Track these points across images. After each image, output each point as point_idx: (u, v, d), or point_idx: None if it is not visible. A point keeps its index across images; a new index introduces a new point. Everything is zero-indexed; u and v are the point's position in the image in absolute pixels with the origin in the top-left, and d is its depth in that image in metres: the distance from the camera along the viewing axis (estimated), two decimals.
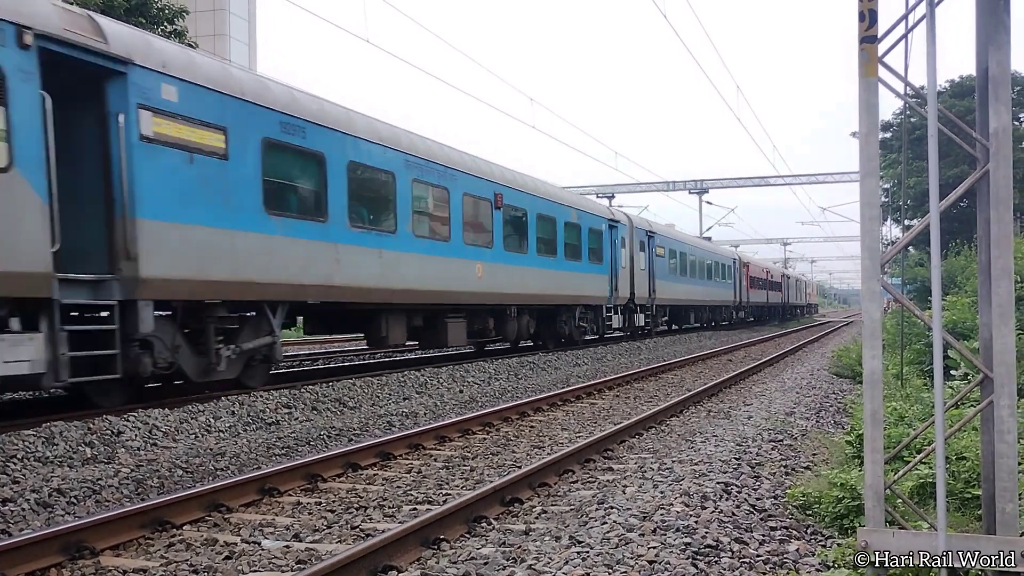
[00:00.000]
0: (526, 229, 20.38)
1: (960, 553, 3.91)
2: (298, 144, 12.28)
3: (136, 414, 9.46)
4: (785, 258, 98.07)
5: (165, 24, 22.20)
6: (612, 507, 6.02)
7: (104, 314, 9.48)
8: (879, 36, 4.01)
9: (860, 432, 7.51)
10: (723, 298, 42.97)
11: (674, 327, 36.35)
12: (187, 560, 5.27)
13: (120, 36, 9.65)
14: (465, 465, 8.27)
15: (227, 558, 5.31)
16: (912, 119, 31.39)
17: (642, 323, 29.40)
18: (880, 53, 4.08)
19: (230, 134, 11.02)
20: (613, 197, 50.31)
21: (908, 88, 4.31)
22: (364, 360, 20.77)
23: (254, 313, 11.94)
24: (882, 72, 4.09)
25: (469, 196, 17.49)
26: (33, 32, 8.39)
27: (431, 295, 15.99)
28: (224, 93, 10.99)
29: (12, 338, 8.21)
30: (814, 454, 8.68)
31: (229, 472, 7.96)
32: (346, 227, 13.31)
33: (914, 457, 5.63)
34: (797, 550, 5.35)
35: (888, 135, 39.02)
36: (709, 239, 48.37)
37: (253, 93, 11.59)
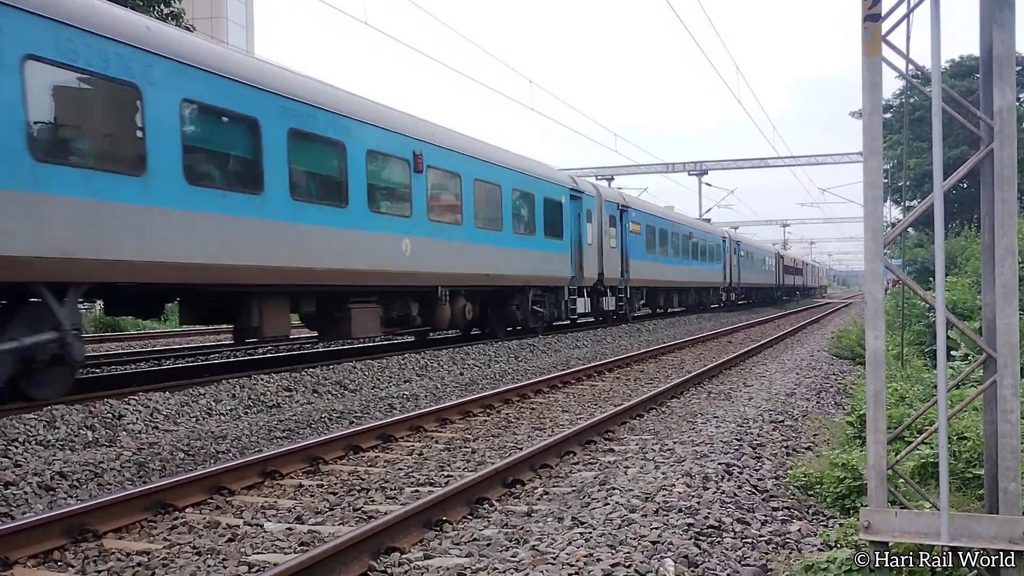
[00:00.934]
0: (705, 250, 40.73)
1: (963, 532, 3.91)
2: (657, 226, 31.07)
3: (137, 397, 9.47)
4: (784, 239, 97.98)
5: (160, 6, 21.92)
6: (614, 488, 6.03)
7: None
8: (882, 15, 3.98)
9: (861, 413, 7.52)
10: (769, 282, 61.14)
11: (740, 301, 52.10)
12: (190, 543, 5.28)
13: (624, 196, 28.88)
14: (466, 447, 8.29)
15: (230, 540, 5.32)
16: (912, 99, 31.24)
17: (733, 299, 47.99)
18: (883, 32, 4.05)
19: (642, 226, 29.00)
20: (612, 179, 50.22)
21: (912, 67, 4.28)
22: (364, 343, 20.79)
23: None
24: (885, 51, 4.06)
25: (695, 239, 37.61)
26: (614, 202, 26.87)
27: (672, 282, 33.72)
28: (641, 210, 29.40)
29: (583, 300, 23.41)
30: (815, 435, 8.70)
31: (230, 455, 7.97)
32: (663, 255, 32.17)
33: (915, 438, 5.64)
34: (799, 530, 5.37)
35: (888, 115, 38.89)
36: (708, 220, 48.45)
37: (641, 204, 30.41)
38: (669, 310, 36.45)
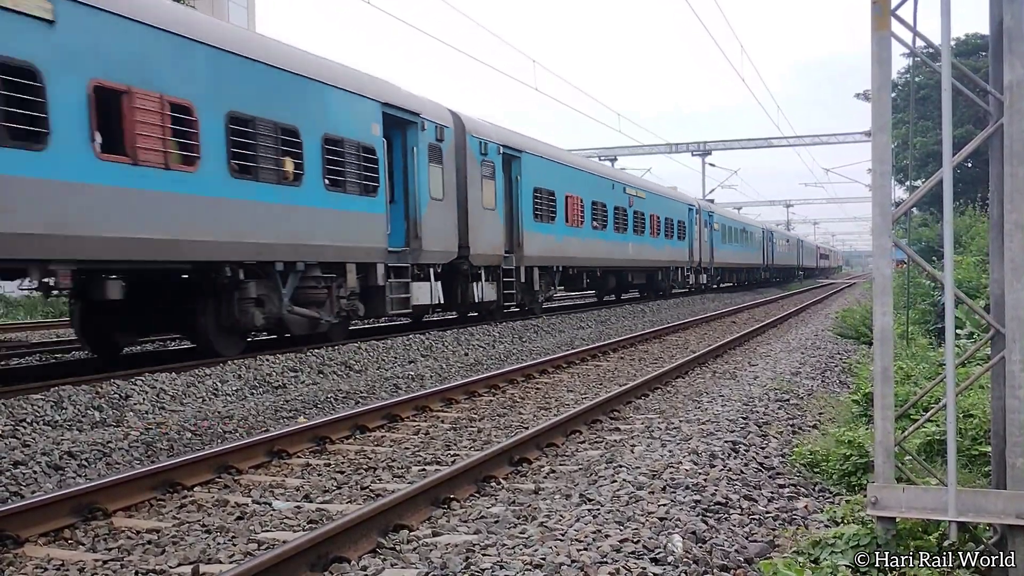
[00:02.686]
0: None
1: (970, 508, 3.93)
2: (731, 226, 45.83)
3: (143, 378, 9.50)
4: (788, 220, 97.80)
5: None
6: (621, 466, 6.05)
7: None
8: None
9: (866, 391, 7.54)
10: (813, 264, 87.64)
11: (804, 277, 75.70)
12: (199, 521, 5.31)
13: (711, 206, 42.06)
14: (472, 427, 8.31)
15: (239, 519, 5.35)
16: (918, 78, 31.02)
17: (802, 275, 73.24)
18: (892, 7, 4.03)
19: (721, 227, 42.30)
20: (616, 160, 50.10)
21: (920, 42, 4.26)
22: (370, 324, 20.82)
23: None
24: (894, 26, 4.04)
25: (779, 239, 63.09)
26: (707, 211, 39.39)
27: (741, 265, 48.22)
28: (722, 215, 44.22)
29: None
30: (820, 413, 8.71)
31: (237, 435, 8.00)
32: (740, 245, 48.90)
33: (921, 415, 5.65)
34: (805, 507, 5.38)
35: (893, 94, 38.63)
36: (712, 200, 48.42)
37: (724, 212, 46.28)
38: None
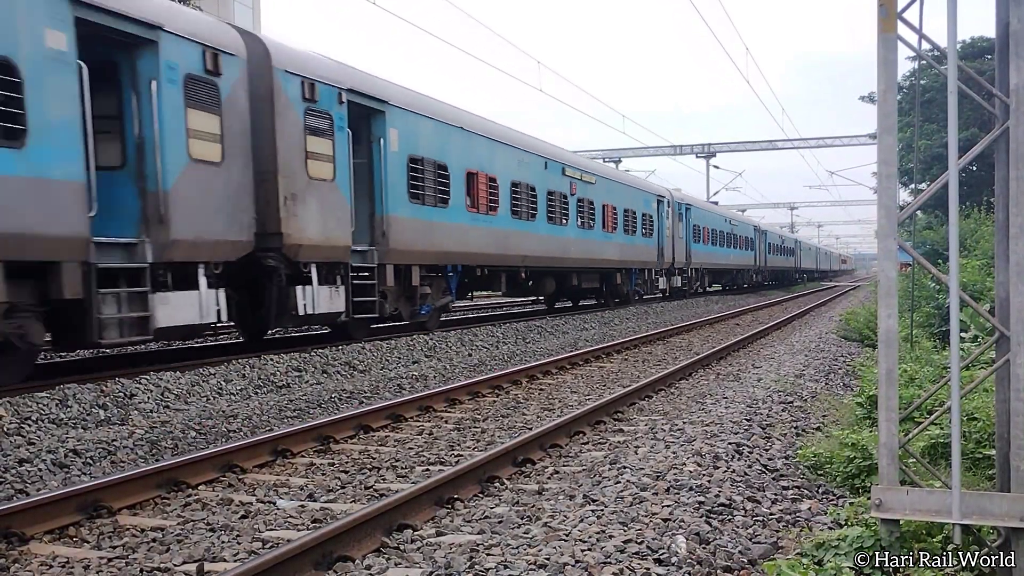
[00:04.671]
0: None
1: (974, 511, 3.93)
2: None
3: (148, 377, 9.52)
4: (792, 222, 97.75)
5: None
6: (625, 467, 6.06)
7: None
8: None
9: (871, 394, 7.53)
10: (836, 268, 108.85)
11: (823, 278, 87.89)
12: (204, 519, 5.32)
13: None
14: (476, 427, 8.31)
15: (243, 517, 5.36)
16: (923, 81, 30.98)
17: (818, 277, 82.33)
18: (898, 9, 4.04)
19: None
20: (620, 161, 50.11)
21: (926, 44, 4.26)
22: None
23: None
24: (899, 29, 4.04)
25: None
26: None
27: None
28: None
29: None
30: (824, 415, 8.70)
31: (242, 434, 8.01)
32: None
33: (925, 418, 5.64)
34: (809, 509, 5.38)
35: (898, 97, 38.56)
36: (716, 203, 48.45)
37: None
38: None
